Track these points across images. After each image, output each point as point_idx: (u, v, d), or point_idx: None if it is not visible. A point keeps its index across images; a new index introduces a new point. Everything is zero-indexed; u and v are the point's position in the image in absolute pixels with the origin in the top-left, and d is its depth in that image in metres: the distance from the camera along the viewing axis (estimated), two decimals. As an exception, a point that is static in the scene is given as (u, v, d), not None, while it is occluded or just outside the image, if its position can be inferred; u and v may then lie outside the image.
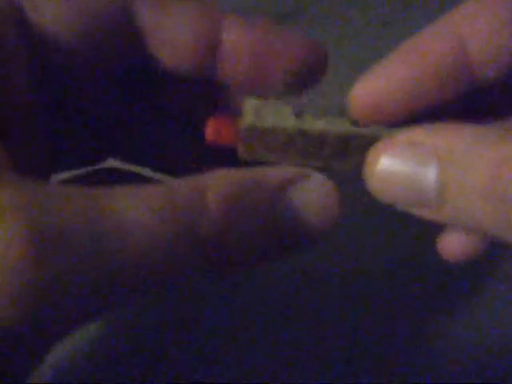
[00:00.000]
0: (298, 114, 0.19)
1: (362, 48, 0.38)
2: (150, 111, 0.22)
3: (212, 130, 0.19)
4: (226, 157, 0.19)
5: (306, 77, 0.20)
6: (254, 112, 0.19)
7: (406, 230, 0.30)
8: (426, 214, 0.17)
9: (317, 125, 0.19)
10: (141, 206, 0.15)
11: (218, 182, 0.16)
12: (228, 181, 0.16)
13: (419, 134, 0.17)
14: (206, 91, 0.21)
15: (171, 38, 0.19)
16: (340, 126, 0.19)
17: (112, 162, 0.23)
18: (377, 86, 0.18)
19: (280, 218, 0.17)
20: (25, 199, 0.14)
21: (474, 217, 0.16)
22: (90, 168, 0.23)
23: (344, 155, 0.19)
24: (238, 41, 0.19)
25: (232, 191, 0.16)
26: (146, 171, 0.23)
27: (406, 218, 0.21)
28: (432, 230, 0.21)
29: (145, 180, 0.22)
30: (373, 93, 0.18)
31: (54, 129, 0.21)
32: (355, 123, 0.19)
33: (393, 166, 0.17)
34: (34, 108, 0.19)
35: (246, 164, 0.18)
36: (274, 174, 0.17)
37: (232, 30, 0.19)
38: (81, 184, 0.15)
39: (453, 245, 0.21)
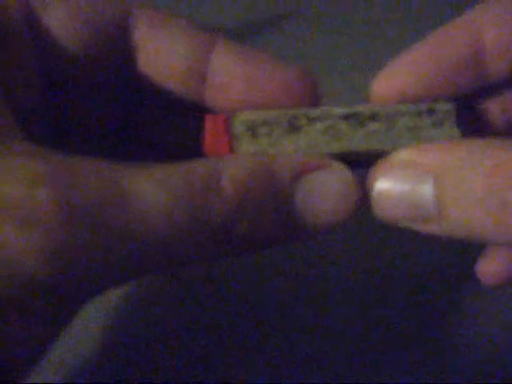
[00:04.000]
0: (294, 128, 0.19)
1: (361, 48, 0.38)
2: (143, 125, 0.23)
3: (208, 142, 0.19)
4: None
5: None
6: (248, 133, 0.19)
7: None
8: (428, 228, 0.18)
9: (313, 142, 0.19)
10: (160, 187, 0.16)
11: (233, 170, 0.17)
12: (243, 167, 0.17)
13: (411, 153, 0.18)
14: (194, 111, 0.21)
15: (162, 57, 0.20)
16: (342, 140, 0.19)
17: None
18: (399, 78, 0.19)
19: (292, 206, 0.17)
20: (55, 169, 0.15)
21: (474, 227, 0.16)
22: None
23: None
24: (227, 69, 0.19)
25: (246, 179, 0.17)
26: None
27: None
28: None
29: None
30: (395, 85, 0.19)
31: (54, 134, 0.21)
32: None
33: (390, 187, 0.18)
34: (36, 107, 0.20)
35: None
36: (289, 161, 0.17)
37: (222, 57, 0.20)
38: None
39: (491, 270, 0.22)
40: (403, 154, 0.18)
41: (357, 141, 0.19)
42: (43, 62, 0.19)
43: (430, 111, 0.19)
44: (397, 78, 0.19)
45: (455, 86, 0.19)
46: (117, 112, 0.22)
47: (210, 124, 0.19)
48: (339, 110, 0.19)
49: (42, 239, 0.14)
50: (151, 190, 0.16)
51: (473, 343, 0.28)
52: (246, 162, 0.17)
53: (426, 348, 0.28)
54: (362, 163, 0.18)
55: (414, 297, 0.29)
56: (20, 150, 0.16)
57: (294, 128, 0.18)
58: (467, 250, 0.24)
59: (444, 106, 0.19)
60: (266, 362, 0.27)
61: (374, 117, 0.18)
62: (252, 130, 0.18)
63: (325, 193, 0.17)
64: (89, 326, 0.28)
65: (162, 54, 0.20)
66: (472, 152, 0.16)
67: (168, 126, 0.22)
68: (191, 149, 0.21)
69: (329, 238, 0.31)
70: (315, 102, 0.20)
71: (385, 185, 0.18)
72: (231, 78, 0.20)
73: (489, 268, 0.22)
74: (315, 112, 0.19)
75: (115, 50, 0.20)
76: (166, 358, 0.27)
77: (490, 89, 0.20)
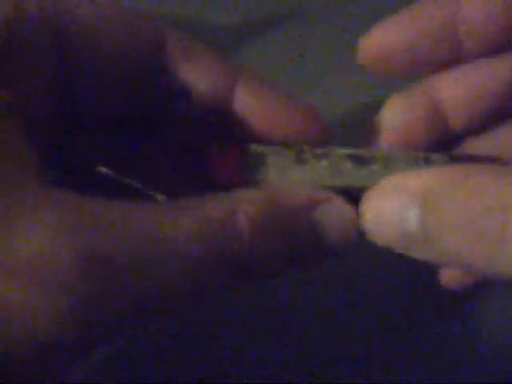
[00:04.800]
0: (300, 161, 0.20)
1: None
2: (150, 133, 0.23)
3: (219, 170, 0.20)
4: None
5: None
6: (257, 163, 0.20)
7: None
8: (418, 254, 0.18)
9: (318, 176, 0.20)
10: (183, 231, 0.16)
11: (247, 207, 0.17)
12: (257, 206, 0.17)
13: (403, 177, 0.18)
14: (210, 130, 0.22)
15: (188, 82, 0.20)
16: (344, 176, 0.20)
17: (102, 170, 0.23)
18: (385, 36, 0.22)
19: (304, 238, 0.18)
20: (75, 219, 0.15)
21: (459, 253, 0.16)
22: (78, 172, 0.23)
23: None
24: (247, 106, 0.21)
25: (261, 216, 0.17)
26: (135, 183, 0.23)
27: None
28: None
29: (133, 192, 0.23)
30: (382, 42, 0.22)
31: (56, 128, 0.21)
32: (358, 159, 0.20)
33: (382, 211, 0.18)
34: (51, 111, 0.19)
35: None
36: (301, 195, 0.19)
37: (243, 93, 0.21)
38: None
39: (452, 275, 0.23)
40: (392, 180, 0.18)
41: (358, 178, 0.20)
42: (64, 75, 0.19)
43: (426, 160, 0.20)
44: (383, 35, 0.22)
45: (422, 141, 0.21)
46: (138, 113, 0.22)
47: (222, 152, 0.21)
48: (343, 151, 0.20)
49: (59, 300, 0.14)
50: (176, 233, 0.16)
51: (473, 343, 0.28)
52: (259, 200, 0.18)
53: (425, 347, 0.28)
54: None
55: (411, 295, 0.29)
56: (43, 198, 0.15)
57: (300, 161, 0.20)
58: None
59: (440, 157, 0.21)
60: (264, 361, 0.27)
61: (373, 159, 0.20)
62: (261, 161, 0.20)
63: (329, 224, 0.18)
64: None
65: (191, 80, 0.20)
66: (453, 177, 0.16)
67: (186, 137, 0.23)
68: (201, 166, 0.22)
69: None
70: (323, 141, 0.21)
71: (376, 209, 0.18)
72: (249, 114, 0.21)
73: (450, 274, 0.22)
74: (321, 150, 0.20)
75: (145, 68, 0.20)
76: (160, 360, 0.27)
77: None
